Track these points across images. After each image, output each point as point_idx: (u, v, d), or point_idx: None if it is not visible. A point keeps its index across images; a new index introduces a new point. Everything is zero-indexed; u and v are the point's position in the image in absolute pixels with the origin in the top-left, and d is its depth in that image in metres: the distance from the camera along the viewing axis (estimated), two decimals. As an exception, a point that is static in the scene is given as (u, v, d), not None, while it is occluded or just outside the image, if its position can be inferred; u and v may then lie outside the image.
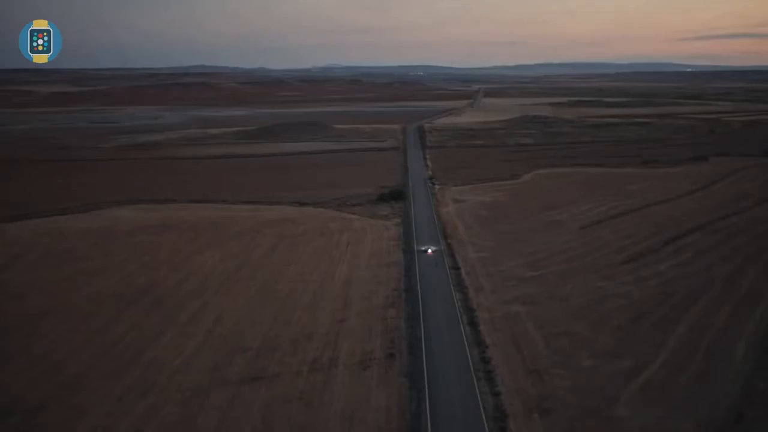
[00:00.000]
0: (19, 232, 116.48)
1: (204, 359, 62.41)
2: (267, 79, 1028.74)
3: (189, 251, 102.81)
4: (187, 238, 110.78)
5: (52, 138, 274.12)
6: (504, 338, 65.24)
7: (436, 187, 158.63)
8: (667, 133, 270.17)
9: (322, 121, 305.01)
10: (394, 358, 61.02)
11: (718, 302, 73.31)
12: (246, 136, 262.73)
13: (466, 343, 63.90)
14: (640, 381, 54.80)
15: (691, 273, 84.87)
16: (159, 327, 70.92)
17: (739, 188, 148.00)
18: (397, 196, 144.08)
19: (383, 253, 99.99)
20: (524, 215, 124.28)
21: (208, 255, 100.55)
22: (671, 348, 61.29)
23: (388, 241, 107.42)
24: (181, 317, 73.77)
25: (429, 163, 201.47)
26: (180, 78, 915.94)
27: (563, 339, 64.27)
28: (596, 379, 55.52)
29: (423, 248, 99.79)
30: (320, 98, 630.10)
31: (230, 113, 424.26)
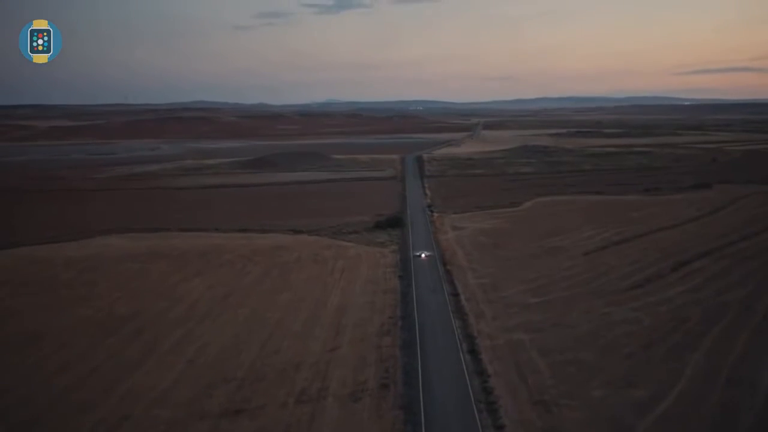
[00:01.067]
0: (3, 260, 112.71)
1: (183, 390, 57.87)
2: (266, 114, 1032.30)
3: (177, 279, 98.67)
4: (176, 266, 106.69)
5: (47, 169, 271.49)
6: (507, 367, 60.73)
7: (435, 214, 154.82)
8: (668, 161, 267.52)
9: (319, 151, 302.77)
10: (389, 388, 56.47)
11: (735, 328, 68.91)
12: (242, 166, 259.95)
13: (466, 372, 59.38)
14: (658, 412, 50.20)
15: (703, 298, 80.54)
16: (138, 356, 66.49)
17: (745, 214, 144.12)
18: (394, 223, 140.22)
19: (379, 279, 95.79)
20: (525, 242, 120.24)
21: (197, 282, 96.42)
22: (689, 376, 56.77)
23: (384, 268, 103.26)
24: (163, 346, 69.34)
25: (427, 191, 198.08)
26: (179, 113, 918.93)
27: (571, 367, 59.76)
28: (608, 410, 50.95)
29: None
30: (319, 131, 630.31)
31: (227, 145, 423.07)
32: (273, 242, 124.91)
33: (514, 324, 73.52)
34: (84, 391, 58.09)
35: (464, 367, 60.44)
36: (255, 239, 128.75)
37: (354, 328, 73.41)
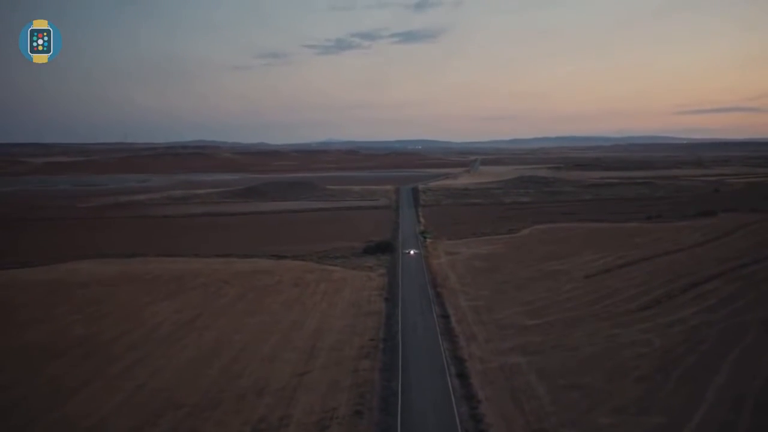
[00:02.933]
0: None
1: (125, 418, 49.80)
2: (263, 150, 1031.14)
3: (143, 302, 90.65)
4: (145, 290, 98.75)
5: (32, 199, 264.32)
6: (500, 392, 52.66)
7: (428, 240, 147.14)
8: (670, 191, 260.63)
9: (311, 182, 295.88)
10: (362, 415, 48.44)
11: (756, 349, 60.99)
12: (231, 195, 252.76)
13: (453, 398, 51.32)
14: (678, 442, 42.16)
15: (719, 319, 72.60)
16: (81, 380, 58.41)
17: (755, 239, 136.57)
18: (384, 248, 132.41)
19: (363, 302, 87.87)
20: (523, 266, 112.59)
21: (164, 305, 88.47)
22: (710, 401, 48.72)
23: (370, 291, 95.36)
24: (112, 370, 61.26)
25: (422, 219, 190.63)
26: (176, 149, 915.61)
27: (574, 393, 51.71)
28: (619, 441, 42.88)
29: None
30: (315, 167, 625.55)
31: (220, 177, 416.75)
32: (253, 267, 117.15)
33: (509, 346, 65.57)
34: (9, 419, 49.99)
35: (451, 393, 52.39)
36: (235, 264, 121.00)
37: (329, 352, 65.41)
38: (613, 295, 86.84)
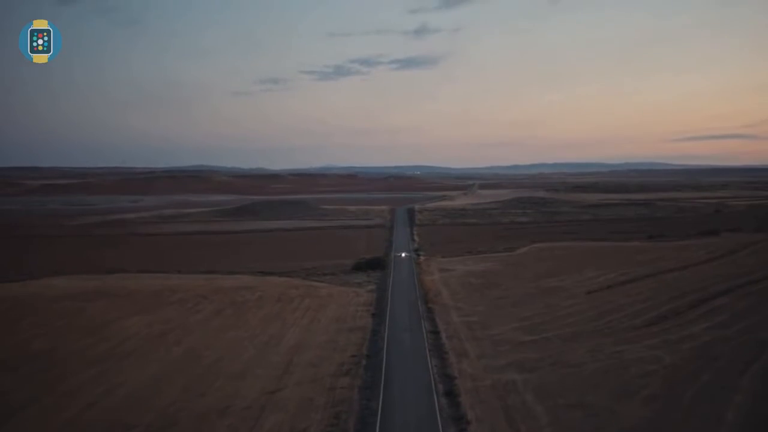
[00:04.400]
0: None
1: (66, 441, 43.76)
2: (261, 174, 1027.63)
3: (114, 317, 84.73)
4: (118, 305, 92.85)
5: (19, 217, 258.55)
6: (492, 412, 46.73)
7: (422, 257, 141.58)
8: (671, 212, 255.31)
9: (305, 201, 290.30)
10: (335, 438, 42.44)
11: (778, 367, 54.96)
12: (221, 214, 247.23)
13: (439, 418, 45.39)
14: (699, 469, 36.19)
15: (733, 335, 66.57)
16: (28, 397, 52.47)
17: (762, 257, 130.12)
18: (375, 264, 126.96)
19: (348, 318, 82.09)
20: (520, 282, 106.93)
21: (136, 320, 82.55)
22: (731, 422, 42.79)
23: (356, 306, 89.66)
24: (64, 386, 55.33)
25: (416, 238, 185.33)
26: (173, 173, 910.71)
27: (576, 412, 45.79)
28: (630, 468, 36.92)
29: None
30: (312, 190, 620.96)
31: (214, 198, 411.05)
32: (237, 283, 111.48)
33: (503, 363, 59.63)
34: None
35: (437, 413, 46.44)
36: (217, 280, 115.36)
37: (306, 368, 59.49)
38: (616, 311, 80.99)
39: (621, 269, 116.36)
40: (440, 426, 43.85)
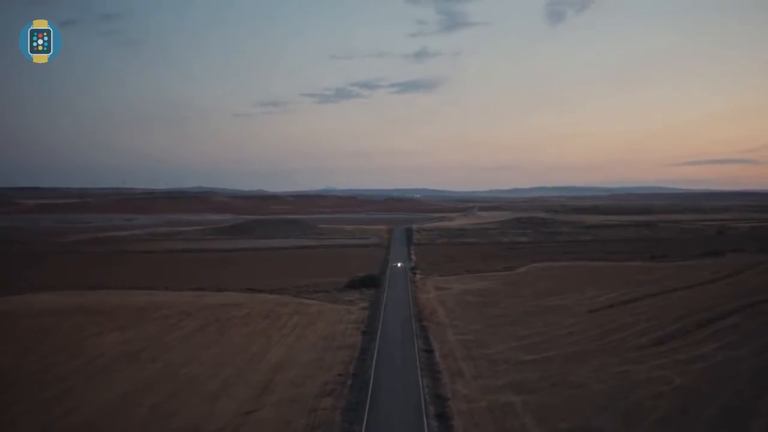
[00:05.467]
0: None
1: (13, 465, 39.32)
2: (260, 195, 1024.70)
3: (90, 333, 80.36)
4: (98, 321, 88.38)
5: (9, 234, 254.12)
6: (488, 436, 42.32)
7: (418, 276, 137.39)
8: (673, 233, 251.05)
9: (301, 220, 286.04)
10: (311, 464, 38.01)
11: (799, 389, 50.56)
12: (215, 232, 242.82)
13: (428, 442, 40.98)
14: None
15: (746, 356, 62.16)
16: (-22, 420, 47.95)
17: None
18: (369, 282, 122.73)
19: (337, 335, 77.70)
20: (519, 301, 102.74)
21: (112, 336, 78.17)
22: (754, 450, 38.40)
23: (347, 324, 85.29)
24: (21, 406, 50.88)
25: (413, 256, 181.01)
26: (172, 194, 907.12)
27: (580, 437, 41.37)
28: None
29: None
30: (311, 210, 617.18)
31: (210, 217, 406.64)
32: (224, 300, 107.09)
33: (501, 384, 55.23)
34: None
35: (427, 436, 42.04)
36: (205, 297, 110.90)
37: (287, 387, 55.10)
38: (620, 330, 76.65)
39: (623, 289, 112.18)
40: (429, 452, 39.47)
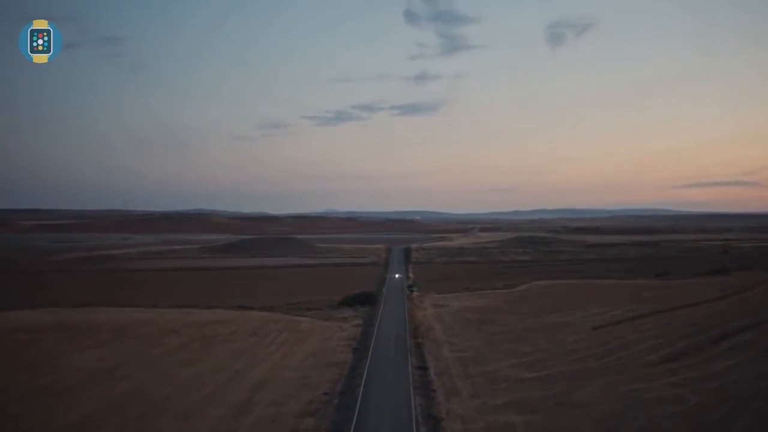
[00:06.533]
0: None
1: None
2: (260, 216, 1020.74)
3: (64, 350, 75.47)
4: (75, 338, 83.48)
5: (2, 252, 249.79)
6: (485, 461, 37.80)
7: (415, 293, 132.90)
8: (676, 252, 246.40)
9: (299, 239, 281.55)
10: (284, 493, 33.48)
11: (828, 408, 46.07)
12: (209, 251, 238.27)
13: (418, 468, 36.47)
14: None
15: (765, 374, 57.69)
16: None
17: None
18: (364, 299, 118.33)
19: (327, 352, 73.25)
20: (520, 318, 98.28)
21: (88, 354, 73.38)
22: (786, 477, 33.86)
23: (338, 341, 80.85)
24: (-27, 428, 46.28)
25: (411, 274, 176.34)
26: (172, 216, 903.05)
27: (588, 462, 36.83)
28: None
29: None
30: (311, 231, 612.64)
31: (207, 237, 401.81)
32: (212, 317, 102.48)
33: (500, 403, 50.74)
34: None
35: (416, 461, 37.53)
36: (193, 314, 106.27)
37: (267, 407, 50.59)
38: (627, 347, 72.17)
39: (628, 306, 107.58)
40: (419, 479, 34.97)
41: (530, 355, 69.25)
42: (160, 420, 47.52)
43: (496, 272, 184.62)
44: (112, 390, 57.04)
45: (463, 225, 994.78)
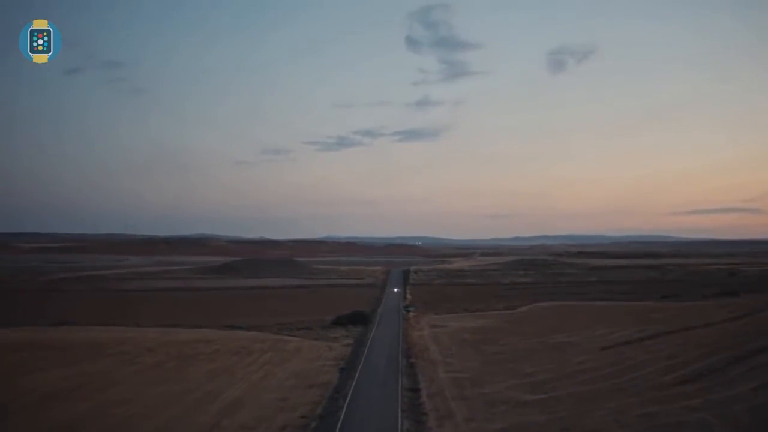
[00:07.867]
0: None
1: None
2: (260, 240, 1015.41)
3: (30, 369, 69.91)
4: (45, 356, 77.92)
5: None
6: (480, 495, 32.07)
7: (411, 314, 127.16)
8: (682, 275, 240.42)
9: (295, 261, 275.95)
10: None
11: None
12: (202, 271, 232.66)
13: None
14: None
15: (793, 397, 51.97)
16: None
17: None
18: (357, 319, 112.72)
19: (311, 373, 67.57)
20: (521, 338, 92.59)
21: (54, 373, 67.81)
22: None
23: (325, 361, 75.25)
24: None
25: (408, 296, 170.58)
26: (172, 240, 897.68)
27: (602, 497, 31.11)
28: None
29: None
30: (311, 256, 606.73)
31: (203, 259, 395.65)
32: (195, 336, 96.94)
33: (499, 427, 45.13)
34: None
35: (399, 495, 31.84)
36: (175, 333, 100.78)
37: (237, 431, 44.83)
38: (639, 368, 66.40)
39: (636, 326, 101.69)
40: None
41: (532, 376, 63.59)
42: (112, 445, 41.88)
43: (496, 294, 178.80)
44: (69, 410, 51.58)
45: (465, 250, 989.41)
